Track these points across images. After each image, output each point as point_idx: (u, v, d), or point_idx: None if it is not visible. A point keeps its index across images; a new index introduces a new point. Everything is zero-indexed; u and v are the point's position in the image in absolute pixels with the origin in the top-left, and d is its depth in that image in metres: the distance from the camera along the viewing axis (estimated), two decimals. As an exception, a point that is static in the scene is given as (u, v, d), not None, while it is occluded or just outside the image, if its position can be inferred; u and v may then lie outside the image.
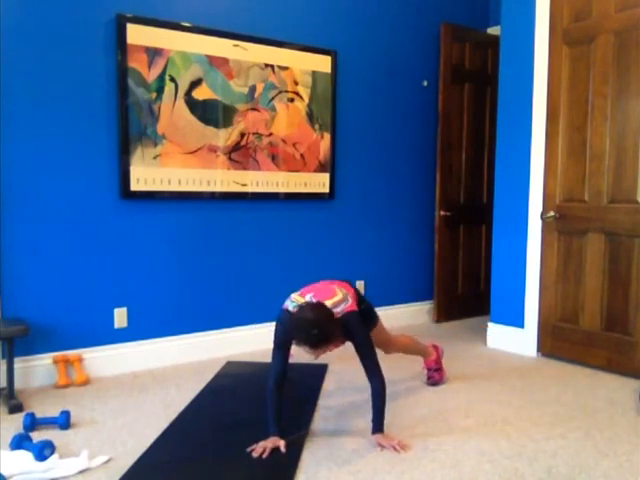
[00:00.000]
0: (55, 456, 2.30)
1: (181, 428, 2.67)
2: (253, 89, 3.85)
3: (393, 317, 4.58)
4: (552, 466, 2.31)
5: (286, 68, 3.98)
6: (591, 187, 3.61)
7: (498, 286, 4.15)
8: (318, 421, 2.76)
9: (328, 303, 2.44)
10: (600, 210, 3.57)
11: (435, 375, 3.29)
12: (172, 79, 3.54)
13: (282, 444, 2.38)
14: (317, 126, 4.15)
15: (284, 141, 4.01)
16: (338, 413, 2.86)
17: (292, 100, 4.03)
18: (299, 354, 2.81)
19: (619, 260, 3.50)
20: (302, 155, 4.10)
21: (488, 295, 4.30)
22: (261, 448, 2.35)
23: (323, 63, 4.15)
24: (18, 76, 3.12)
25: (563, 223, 3.75)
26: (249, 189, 3.89)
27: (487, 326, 4.22)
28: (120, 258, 3.48)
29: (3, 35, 3.06)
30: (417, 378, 3.37)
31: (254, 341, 3.93)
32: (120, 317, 3.50)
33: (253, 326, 4.00)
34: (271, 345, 2.52)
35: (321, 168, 4.20)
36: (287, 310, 2.50)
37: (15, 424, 2.66)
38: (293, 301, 2.52)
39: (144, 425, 2.70)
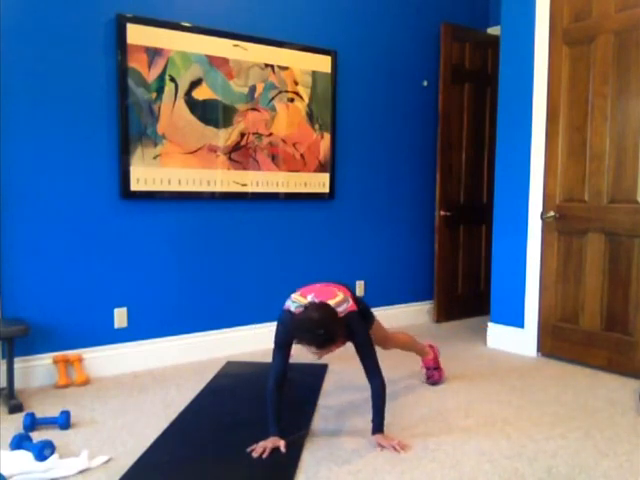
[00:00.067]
0: (55, 456, 2.30)
1: (181, 428, 2.67)
2: (253, 89, 3.85)
3: (393, 317, 4.58)
4: (552, 466, 2.31)
5: (286, 68, 3.98)
6: (591, 187, 3.61)
7: (498, 286, 4.15)
8: (318, 421, 2.76)
9: (331, 303, 2.45)
10: (600, 210, 3.57)
11: (435, 374, 3.29)
12: (172, 79, 3.54)
13: (282, 444, 2.38)
14: (317, 126, 4.15)
15: (284, 141, 4.01)
16: (338, 413, 2.86)
17: (292, 100, 4.03)
18: (299, 354, 2.82)
19: (619, 260, 3.50)
20: (302, 155, 4.10)
21: (488, 295, 4.30)
22: (261, 448, 2.35)
23: (323, 63, 4.15)
24: (18, 76, 3.12)
25: (563, 223, 3.75)
26: (249, 189, 3.89)
27: (487, 326, 4.22)
28: (120, 258, 3.48)
29: (3, 35, 3.06)
30: (417, 378, 3.37)
31: (254, 341, 3.94)
32: (120, 317, 3.50)
33: (253, 326, 4.00)
34: (271, 345, 2.52)
35: (321, 168, 4.20)
36: (289, 311, 2.50)
37: (15, 424, 2.66)
38: (295, 301, 2.51)
39: (144, 425, 2.70)
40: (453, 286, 4.97)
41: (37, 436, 2.51)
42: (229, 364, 3.67)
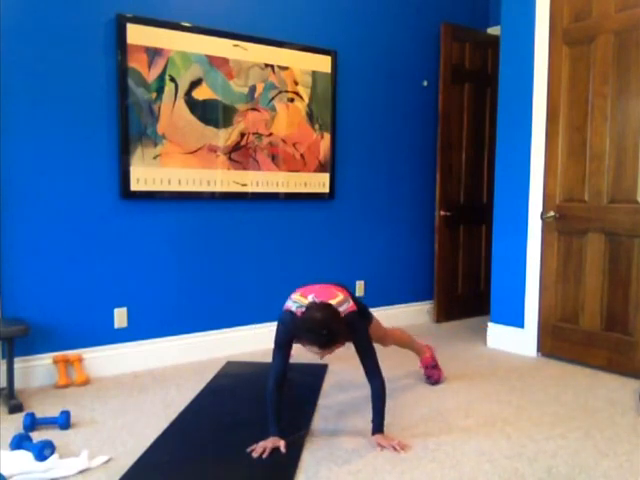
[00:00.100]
0: (55, 456, 2.30)
1: (181, 428, 2.67)
2: (253, 89, 3.85)
3: (393, 317, 4.58)
4: (552, 466, 2.31)
5: (286, 68, 3.98)
6: (591, 187, 3.61)
7: (498, 286, 4.15)
8: (318, 421, 2.76)
9: (332, 303, 2.45)
10: (600, 210, 3.57)
11: (434, 373, 3.30)
12: (172, 79, 3.54)
13: (282, 444, 2.38)
14: (317, 126, 4.15)
15: (284, 141, 4.01)
16: (338, 413, 2.86)
17: (292, 100, 4.03)
18: (299, 354, 2.82)
19: (619, 260, 3.50)
20: (302, 155, 4.10)
21: (488, 295, 4.30)
22: (261, 448, 2.35)
23: (323, 63, 4.15)
24: (18, 76, 3.12)
25: (563, 223, 3.75)
26: (249, 189, 3.89)
27: (487, 326, 4.22)
28: (120, 258, 3.48)
29: (3, 35, 3.06)
30: (417, 378, 3.37)
31: (254, 341, 3.94)
32: (120, 317, 3.50)
33: (253, 326, 4.00)
34: (271, 345, 2.52)
35: (321, 168, 4.20)
36: (290, 311, 2.49)
37: (15, 424, 2.66)
38: (295, 301, 2.51)
39: (144, 425, 2.70)
40: (453, 286, 4.97)
41: (37, 436, 2.51)
42: (229, 364, 3.67)
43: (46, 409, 2.88)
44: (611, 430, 2.67)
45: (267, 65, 3.89)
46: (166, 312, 3.66)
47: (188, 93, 3.60)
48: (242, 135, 3.82)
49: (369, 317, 2.84)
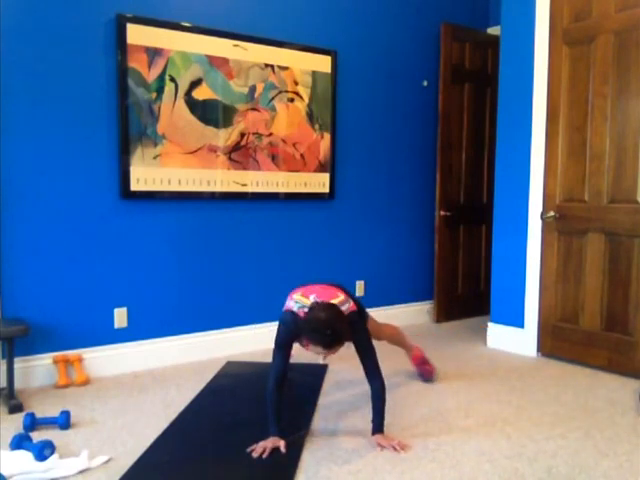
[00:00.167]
0: (55, 456, 2.30)
1: (181, 428, 2.67)
2: (253, 89, 3.85)
3: (393, 317, 4.57)
4: (552, 466, 2.31)
5: (286, 68, 3.98)
6: (591, 187, 3.61)
7: (498, 286, 4.15)
8: (318, 421, 2.76)
9: (334, 302, 2.45)
10: (600, 210, 3.57)
11: (426, 368, 3.32)
12: (172, 79, 3.54)
13: (282, 444, 2.38)
14: (317, 126, 4.15)
15: (284, 141, 4.01)
16: (338, 413, 2.86)
17: (292, 100, 4.03)
18: (299, 354, 2.82)
19: (619, 260, 3.50)
20: (302, 155, 4.10)
21: (488, 295, 4.30)
22: (261, 448, 2.35)
23: (323, 63, 4.15)
24: (18, 76, 3.12)
25: (563, 223, 3.75)
26: (249, 189, 3.89)
27: (487, 326, 4.22)
28: (120, 258, 3.48)
29: (3, 35, 3.06)
30: (416, 377, 3.37)
31: (254, 341, 3.94)
32: (120, 317, 3.50)
33: (253, 326, 4.00)
34: (271, 345, 2.52)
35: (321, 168, 4.20)
36: (291, 311, 2.49)
37: (15, 424, 2.66)
38: (297, 302, 2.51)
39: (144, 425, 2.70)
40: (453, 286, 4.97)
41: (37, 436, 2.51)
42: (229, 364, 3.67)
43: (46, 409, 2.88)
44: (611, 430, 2.67)
45: (267, 65, 3.89)
46: (166, 312, 3.66)
47: (188, 93, 3.60)
48: (242, 135, 3.82)
49: (366, 315, 2.85)
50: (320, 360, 2.48)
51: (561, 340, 3.79)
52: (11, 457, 2.26)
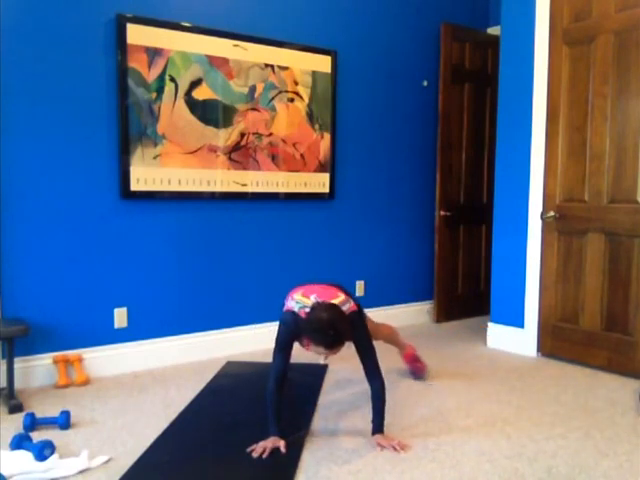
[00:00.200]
0: (55, 456, 2.30)
1: (181, 428, 2.67)
2: (253, 89, 3.85)
3: (393, 317, 4.58)
4: (552, 466, 2.31)
5: (286, 68, 3.98)
6: (591, 187, 3.61)
7: (498, 286, 4.15)
8: (318, 421, 2.76)
9: (335, 303, 2.44)
10: (600, 210, 3.57)
11: (417, 366, 3.34)
12: (172, 79, 3.54)
13: (282, 444, 2.38)
14: (317, 126, 4.15)
15: (284, 141, 4.01)
16: (338, 413, 2.86)
17: (292, 100, 4.03)
18: (299, 354, 2.81)
19: (619, 260, 3.50)
20: (302, 155, 4.10)
21: (488, 295, 4.30)
22: (261, 448, 2.35)
23: (323, 63, 4.15)
24: (18, 76, 3.12)
25: (563, 223, 3.75)
26: (249, 189, 3.89)
27: (487, 326, 4.22)
28: (120, 258, 3.48)
29: (3, 35, 3.06)
30: (417, 377, 3.37)
31: (254, 341, 3.94)
32: (120, 317, 3.50)
33: (253, 326, 4.00)
34: (271, 345, 2.52)
35: (321, 168, 4.20)
36: (292, 311, 2.49)
37: (15, 424, 2.66)
38: (298, 302, 2.50)
39: (144, 425, 2.70)
40: (453, 286, 4.97)
41: (37, 436, 2.51)
42: (229, 364, 3.67)
43: (46, 409, 2.88)
44: (611, 430, 2.67)
45: (267, 65, 3.89)
46: (166, 312, 3.66)
47: (188, 93, 3.60)
48: (242, 135, 3.82)
49: (364, 315, 2.85)
50: (321, 360, 2.48)
51: (561, 340, 3.79)
52: (11, 457, 2.26)
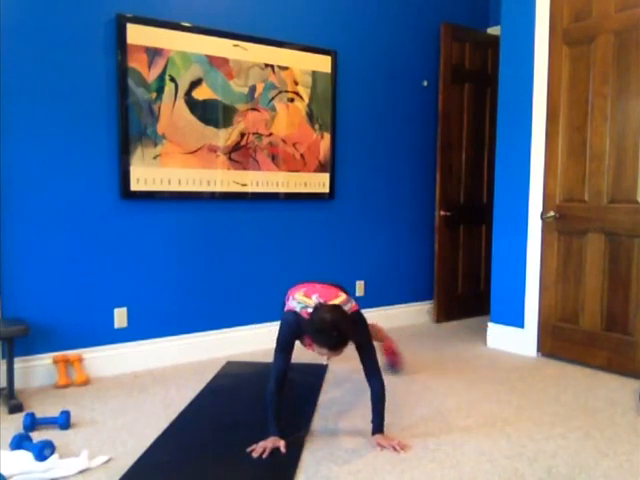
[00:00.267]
0: (55, 456, 2.30)
1: (181, 428, 2.67)
2: (253, 89, 3.85)
3: (393, 317, 4.59)
4: (552, 466, 2.31)
5: (286, 68, 3.98)
6: (591, 187, 3.61)
7: (498, 286, 4.15)
8: (318, 421, 2.76)
9: (337, 303, 2.44)
10: (600, 210, 3.57)
11: (394, 358, 3.38)
12: (172, 79, 3.54)
13: (282, 444, 2.38)
14: (317, 126, 4.15)
15: (284, 141, 4.01)
16: (338, 413, 2.86)
17: (292, 100, 4.03)
18: (299, 354, 2.81)
19: (619, 260, 3.50)
20: (302, 155, 4.10)
21: (488, 295, 4.30)
22: (261, 448, 2.35)
23: (323, 63, 4.15)
24: (18, 76, 3.12)
25: (563, 223, 3.75)
26: (249, 189, 3.89)
27: (487, 326, 4.22)
28: (120, 258, 3.48)
29: (3, 35, 3.06)
30: (416, 378, 3.37)
31: (254, 341, 3.94)
32: (120, 317, 3.50)
33: (253, 326, 4.00)
34: (271, 345, 2.52)
35: (321, 168, 4.20)
36: (294, 311, 2.48)
37: (15, 424, 2.66)
38: (300, 302, 2.49)
39: (144, 425, 2.70)
40: (453, 286, 4.97)
41: (37, 436, 2.51)
42: (229, 364, 3.67)
43: (46, 409, 2.88)
44: (611, 430, 2.67)
45: (267, 65, 3.89)
46: (166, 312, 3.66)
47: (188, 93, 3.60)
48: (242, 135, 3.82)
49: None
50: (324, 361, 2.48)
51: (561, 340, 3.79)
52: (11, 457, 2.26)
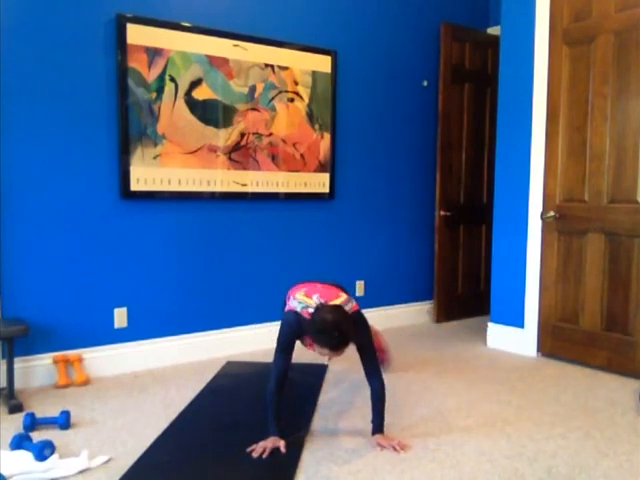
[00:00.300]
0: (55, 456, 2.30)
1: (181, 428, 2.67)
2: (253, 89, 3.85)
3: (393, 317, 4.59)
4: (552, 466, 2.31)
5: (286, 68, 3.98)
6: (591, 187, 3.61)
7: (498, 286, 4.15)
8: (318, 421, 2.76)
9: (337, 303, 2.44)
10: (600, 210, 3.57)
11: (383, 356, 3.33)
12: (172, 79, 3.54)
13: (282, 444, 2.38)
14: (317, 126, 4.15)
15: (284, 141, 4.01)
16: (338, 413, 2.86)
17: (292, 100, 4.03)
18: (299, 354, 2.81)
19: (619, 260, 3.50)
20: (302, 155, 4.10)
21: (488, 295, 4.30)
22: (261, 448, 2.35)
23: (323, 63, 4.15)
24: (18, 76, 3.12)
25: (563, 223, 3.75)
26: (249, 189, 3.89)
27: (487, 326, 4.22)
28: (120, 258, 3.48)
29: (3, 35, 3.06)
30: (416, 378, 3.37)
31: (254, 341, 3.94)
32: (120, 317, 3.50)
33: (253, 326, 4.00)
34: (271, 345, 2.52)
35: (321, 168, 4.20)
36: (295, 311, 2.47)
37: (15, 424, 2.66)
38: (300, 302, 2.49)
39: (144, 425, 2.70)
40: (453, 286, 4.97)
41: (37, 436, 2.51)
42: (229, 364, 3.67)
43: (46, 409, 2.88)
44: (611, 430, 2.67)
45: (267, 65, 3.89)
46: (166, 312, 3.66)
47: (188, 93, 3.60)
48: (242, 135, 3.82)
49: None
50: (325, 361, 2.48)
51: (561, 340, 3.79)
52: (11, 457, 2.26)
